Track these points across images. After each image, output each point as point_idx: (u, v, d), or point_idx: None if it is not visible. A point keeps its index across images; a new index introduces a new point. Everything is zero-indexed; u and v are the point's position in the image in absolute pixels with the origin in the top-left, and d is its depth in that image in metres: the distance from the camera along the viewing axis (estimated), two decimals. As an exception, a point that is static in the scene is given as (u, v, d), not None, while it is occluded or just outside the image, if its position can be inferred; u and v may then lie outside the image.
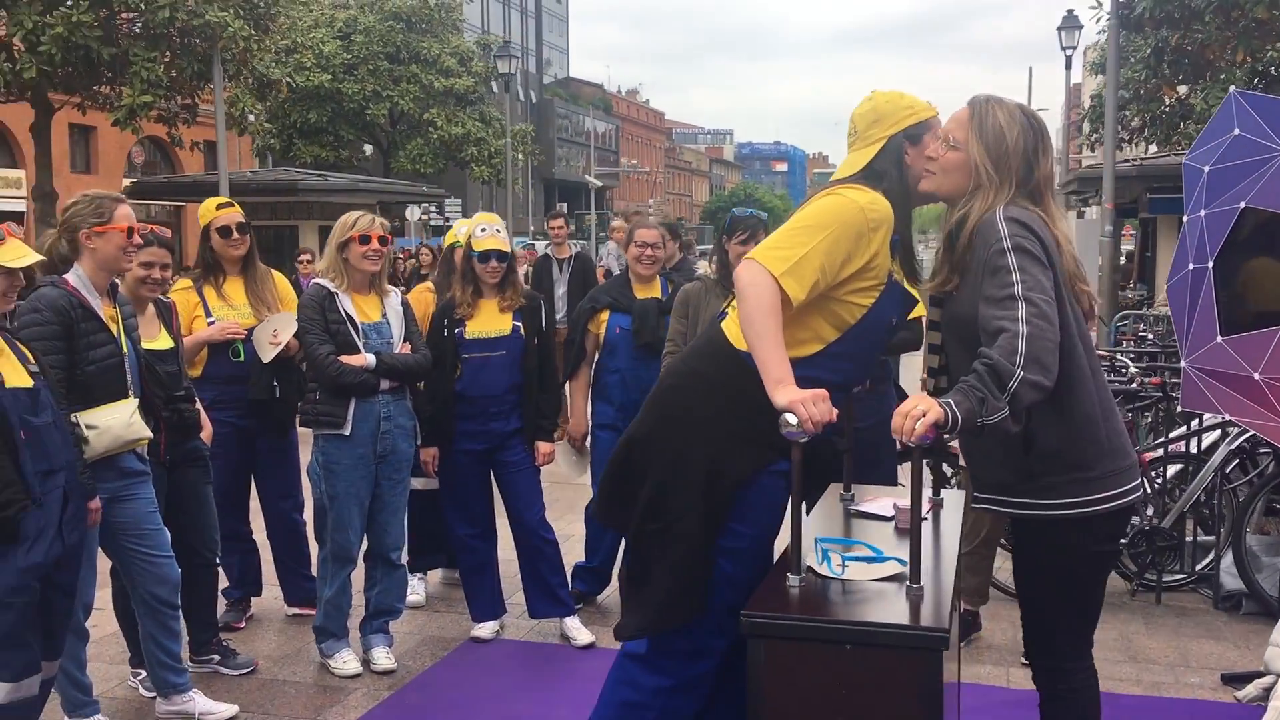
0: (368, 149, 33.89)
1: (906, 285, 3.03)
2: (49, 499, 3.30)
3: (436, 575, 5.96)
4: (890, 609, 2.35)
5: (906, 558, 2.51)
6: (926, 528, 3.02)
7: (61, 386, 3.59)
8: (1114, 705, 4.44)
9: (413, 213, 31.89)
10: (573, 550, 5.88)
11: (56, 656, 3.53)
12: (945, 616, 2.28)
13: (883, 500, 3.28)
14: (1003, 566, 5.80)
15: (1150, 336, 9.93)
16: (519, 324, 4.93)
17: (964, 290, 2.82)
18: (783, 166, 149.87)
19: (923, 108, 3.02)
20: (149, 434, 3.93)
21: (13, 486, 3.16)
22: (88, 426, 3.72)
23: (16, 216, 22.48)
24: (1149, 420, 6.53)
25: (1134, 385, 6.09)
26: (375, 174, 30.45)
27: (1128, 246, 21.65)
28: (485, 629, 5.11)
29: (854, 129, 3.04)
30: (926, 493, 3.38)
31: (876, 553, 2.61)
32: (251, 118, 20.00)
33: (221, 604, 5.09)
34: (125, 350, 3.91)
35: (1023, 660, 5.04)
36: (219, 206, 5.10)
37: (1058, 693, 2.98)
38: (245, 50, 16.90)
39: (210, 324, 4.90)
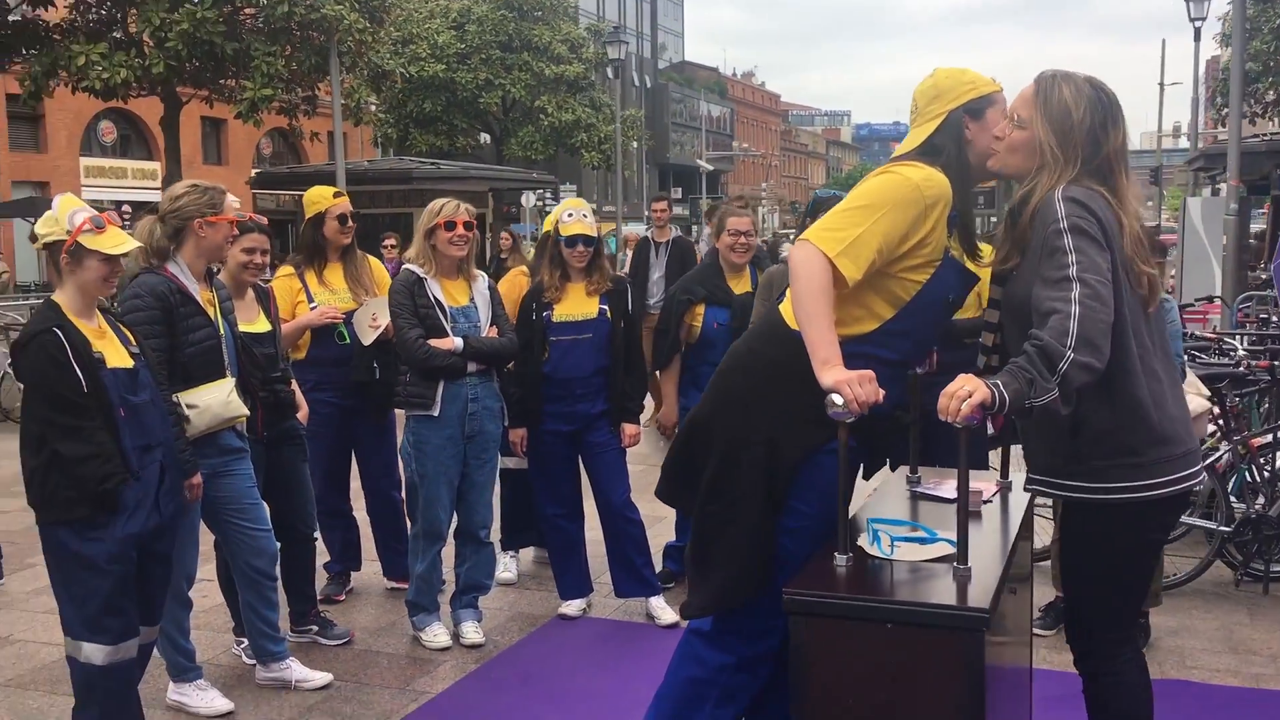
0: (484, 137, 34.46)
1: (966, 262, 3.00)
2: (146, 473, 3.49)
3: (529, 554, 6.09)
4: (934, 589, 2.35)
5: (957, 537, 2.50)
6: (988, 510, 3.00)
7: (163, 369, 3.79)
8: (1210, 696, 4.33)
9: (528, 199, 32.34)
10: (664, 531, 5.95)
11: (154, 623, 3.73)
12: (989, 597, 2.27)
13: (954, 484, 3.26)
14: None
15: (1275, 319, 9.52)
16: (605, 307, 5.01)
17: (1023, 270, 2.78)
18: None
19: (985, 83, 2.98)
20: (246, 412, 4.13)
21: (113, 461, 3.35)
22: (188, 406, 3.92)
23: (153, 207, 23.48)
24: (1264, 406, 6.29)
25: (1241, 369, 5.88)
26: (489, 161, 30.95)
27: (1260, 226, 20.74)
28: (572, 607, 5.21)
29: (915, 106, 3.02)
30: (995, 476, 3.36)
31: (930, 534, 2.60)
32: (373, 108, 20.54)
33: (322, 578, 5.31)
34: (222, 333, 4.10)
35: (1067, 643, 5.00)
36: (335, 195, 5.30)
37: (1102, 679, 2.94)
38: (361, 42, 17.37)
39: (312, 309, 5.10)
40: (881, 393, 2.61)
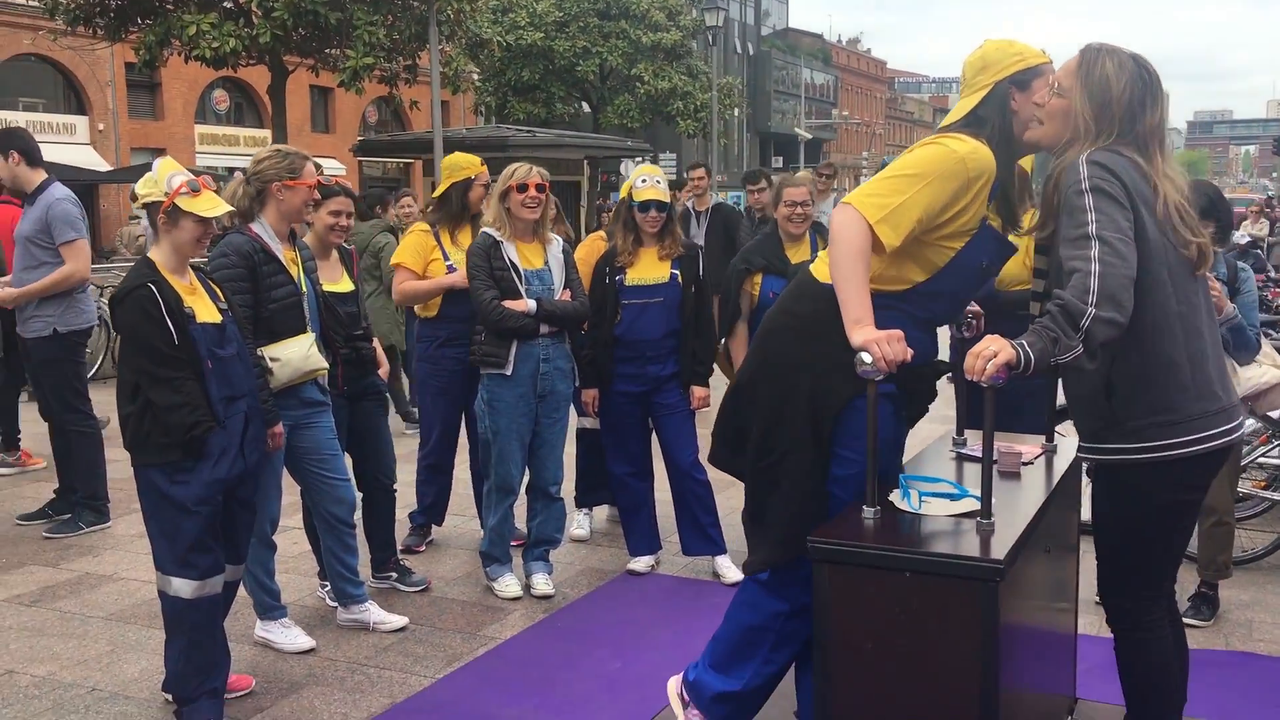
0: (585, 106, 34.64)
1: (1004, 232, 3.03)
2: (231, 422, 3.73)
3: (603, 512, 6.26)
4: (954, 541, 2.42)
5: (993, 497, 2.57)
6: (1028, 472, 3.05)
7: (248, 324, 4.03)
8: (1273, 669, 4.30)
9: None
10: (738, 495, 6.06)
11: (239, 562, 3.98)
12: (1006, 551, 2.34)
13: (1005, 448, 3.31)
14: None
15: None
16: (677, 272, 5.12)
17: (1058, 237, 2.82)
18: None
19: (1034, 54, 2.99)
20: (326, 365, 4.36)
21: (201, 409, 3.59)
22: (271, 359, 4.15)
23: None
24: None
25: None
26: (586, 130, 31.11)
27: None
28: (641, 563, 5.37)
29: (964, 77, 3.05)
30: (1040, 439, 3.40)
31: (960, 490, 2.68)
32: (475, 76, 20.82)
33: (404, 528, 5.56)
34: (304, 290, 4.32)
35: (1095, 600, 4.98)
36: (481, 163, 5.51)
37: (1133, 636, 2.95)
38: (460, 11, 17.64)
39: (450, 270, 5.31)
40: (910, 352, 2.68)
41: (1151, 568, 2.94)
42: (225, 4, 17.46)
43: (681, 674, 3.45)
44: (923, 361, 3.00)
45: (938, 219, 2.88)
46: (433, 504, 5.68)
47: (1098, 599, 3.07)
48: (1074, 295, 2.58)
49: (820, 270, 3.03)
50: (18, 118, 25.26)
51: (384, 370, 4.97)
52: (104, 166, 27.28)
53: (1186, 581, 4.99)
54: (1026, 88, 2.97)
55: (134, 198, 3.82)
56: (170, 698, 3.86)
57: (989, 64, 3.00)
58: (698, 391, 5.24)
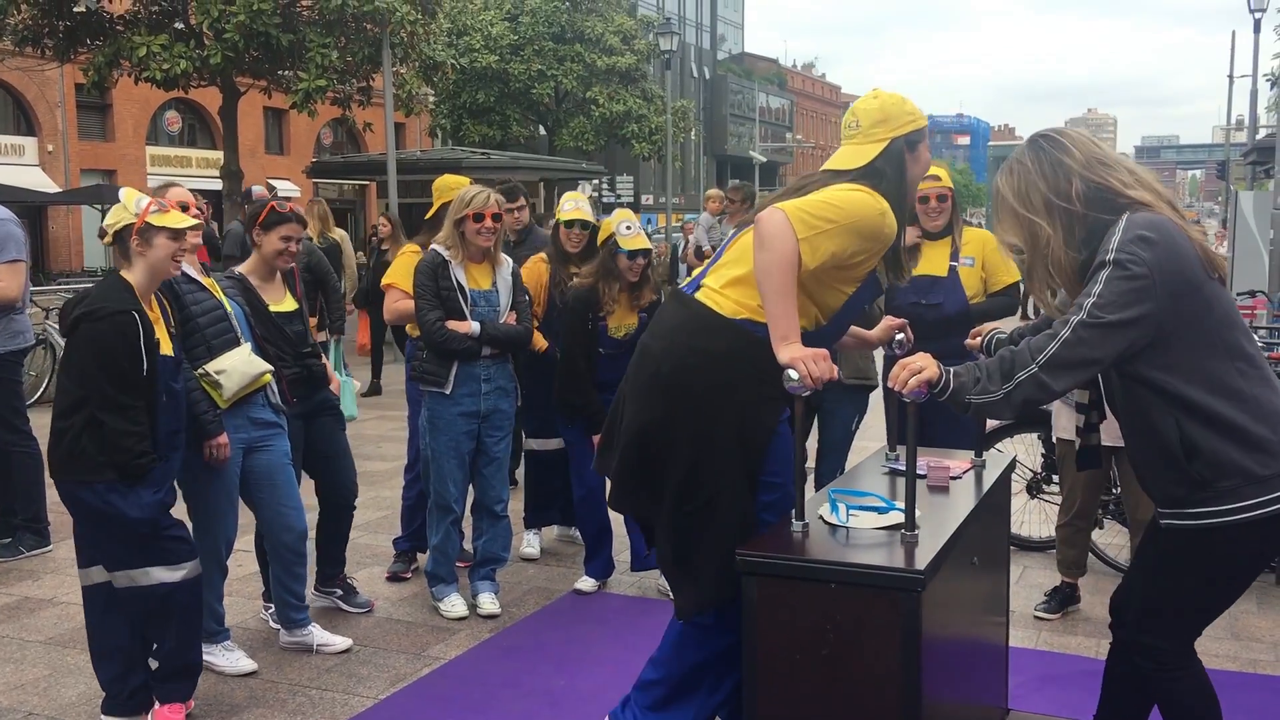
0: (540, 129, 34.73)
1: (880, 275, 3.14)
2: (174, 455, 3.81)
3: (552, 531, 6.27)
4: (877, 553, 2.48)
5: (919, 510, 2.63)
6: (957, 486, 3.12)
7: (181, 340, 4.05)
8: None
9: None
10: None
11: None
12: (929, 561, 2.40)
13: (934, 462, 3.38)
14: (1112, 543, 5.75)
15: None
16: (645, 316, 5.13)
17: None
18: (964, 140, 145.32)
19: (921, 116, 3.11)
20: (270, 368, 4.37)
21: (147, 440, 3.65)
22: (217, 372, 4.17)
23: (215, 195, 24.06)
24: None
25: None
26: (542, 152, 31.20)
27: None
28: (587, 583, 5.38)
29: (856, 122, 3.10)
30: (969, 454, 3.47)
31: (887, 504, 2.74)
32: (431, 99, 20.79)
33: (388, 556, 5.65)
34: (229, 307, 4.34)
35: (1035, 614, 5.02)
36: (472, 182, 5.52)
37: (1160, 674, 2.86)
38: (413, 34, 17.65)
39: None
40: (835, 370, 2.74)
41: (1208, 617, 2.86)
42: (176, 25, 17.34)
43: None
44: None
45: (845, 262, 2.95)
46: (419, 529, 5.60)
47: (1129, 640, 2.96)
48: (1029, 349, 2.59)
49: (717, 301, 3.03)
50: (-35, 139, 24.93)
51: (334, 385, 4.99)
52: (53, 188, 26.95)
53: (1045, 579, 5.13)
54: (915, 149, 3.08)
55: (102, 234, 3.85)
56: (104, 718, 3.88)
57: (889, 117, 3.06)
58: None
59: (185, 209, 4.25)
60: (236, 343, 4.29)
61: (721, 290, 3.04)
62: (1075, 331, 2.57)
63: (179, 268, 3.85)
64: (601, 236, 5.33)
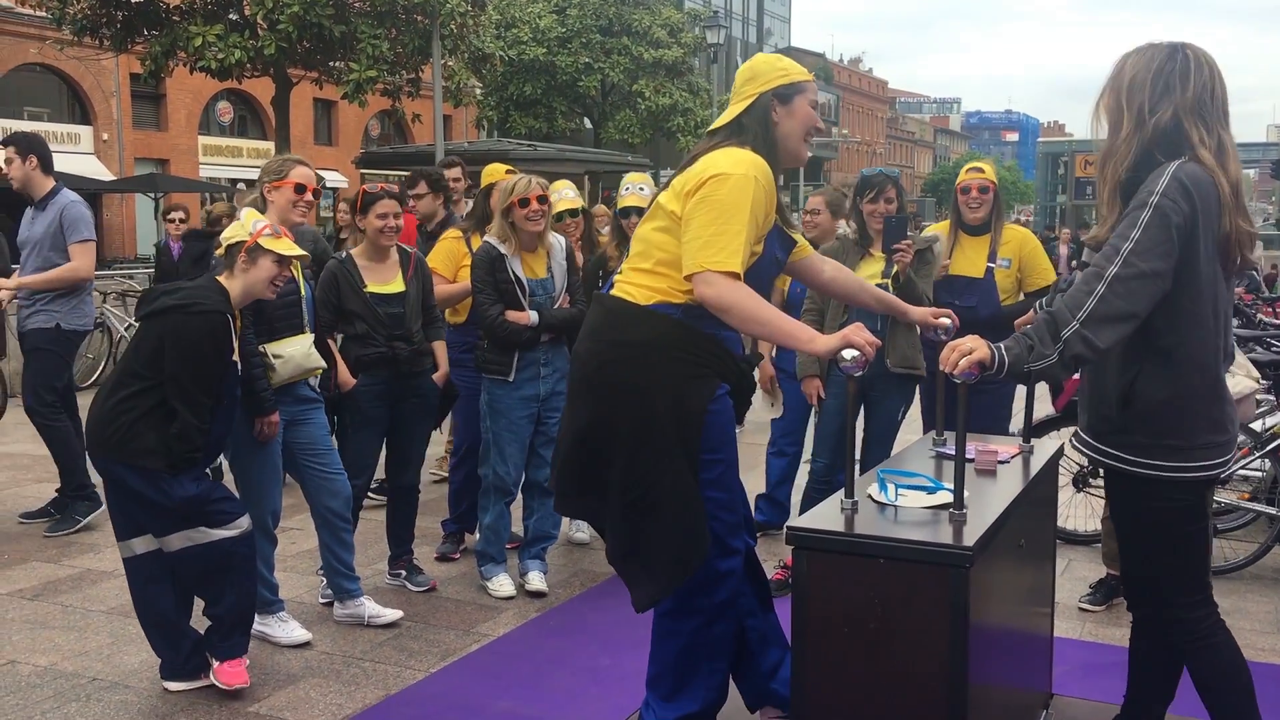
0: (586, 122, 34.84)
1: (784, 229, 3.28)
2: (212, 459, 4.04)
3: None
4: (925, 530, 2.53)
5: (965, 491, 2.67)
6: (1004, 470, 3.15)
7: (250, 317, 4.19)
8: (1253, 674, 4.39)
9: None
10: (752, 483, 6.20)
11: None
12: (976, 539, 2.44)
13: (982, 446, 3.41)
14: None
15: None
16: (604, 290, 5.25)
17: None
18: (1013, 136, 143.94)
19: (798, 72, 3.20)
20: (323, 364, 4.51)
21: (203, 438, 3.83)
22: (274, 356, 4.30)
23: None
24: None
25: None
26: (587, 145, 31.30)
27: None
28: (633, 565, 5.46)
29: (735, 85, 3.25)
30: (1016, 440, 3.51)
31: (934, 484, 2.78)
32: (477, 91, 20.99)
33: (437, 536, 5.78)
34: (303, 292, 4.45)
35: (1079, 606, 5.05)
36: (507, 171, 5.65)
37: (1195, 646, 2.94)
38: (463, 26, 17.82)
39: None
40: (876, 340, 2.85)
41: (1185, 570, 2.92)
42: (231, 16, 17.63)
43: None
44: (742, 357, 3.22)
45: (758, 235, 3.08)
46: (466, 511, 5.73)
47: (1138, 614, 3.11)
48: (1066, 306, 2.65)
49: (629, 291, 3.15)
50: (23, 127, 25.46)
51: (440, 374, 5.14)
52: (108, 176, 27.46)
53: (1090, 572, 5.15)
54: (788, 102, 3.16)
55: (218, 245, 4.06)
56: (168, 686, 4.04)
57: (755, 75, 3.20)
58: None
59: (303, 190, 4.43)
60: (300, 328, 4.42)
61: (631, 281, 3.17)
62: (1111, 286, 2.63)
63: (274, 293, 4.02)
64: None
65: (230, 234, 3.99)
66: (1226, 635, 2.97)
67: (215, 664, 4.03)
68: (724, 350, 3.15)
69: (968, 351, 2.59)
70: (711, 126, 3.28)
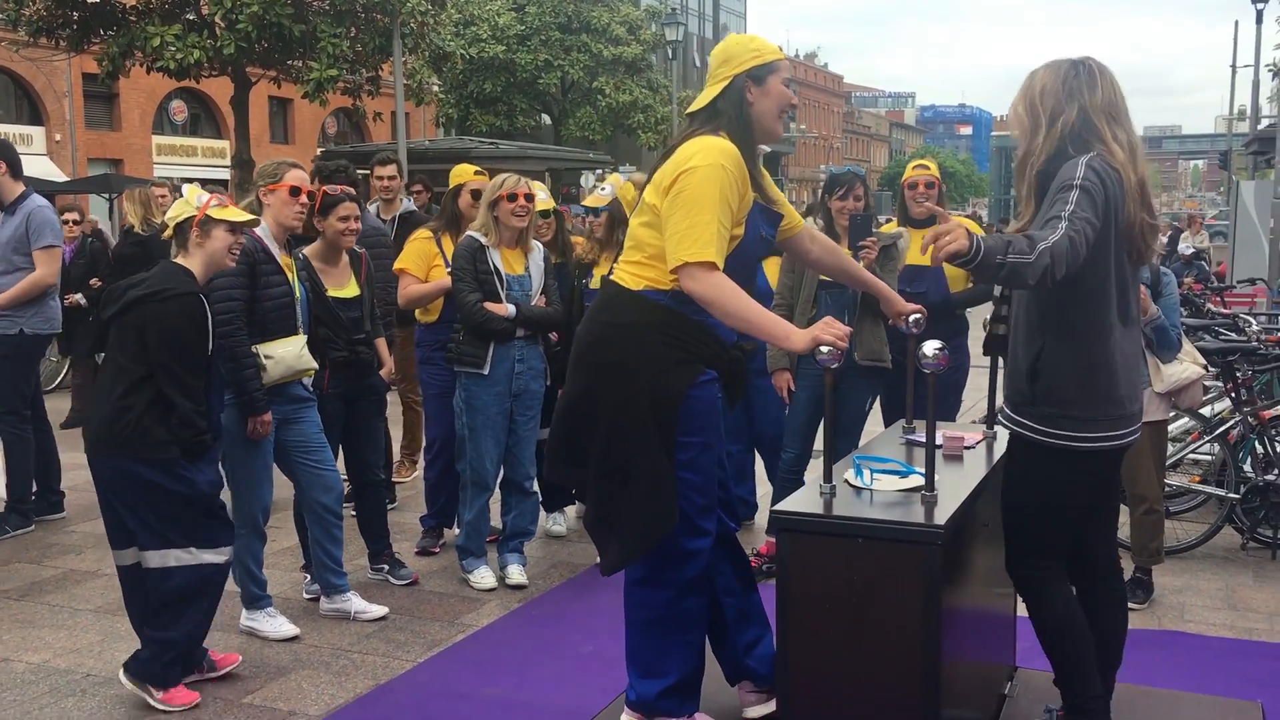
0: (545, 118, 34.89)
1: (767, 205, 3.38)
2: (220, 436, 4.08)
3: (572, 510, 6.49)
4: (899, 511, 2.70)
5: (935, 475, 2.85)
6: (971, 455, 3.34)
7: (243, 319, 4.28)
8: (1200, 646, 4.61)
9: (587, 179, 32.71)
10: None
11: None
12: (948, 518, 2.62)
13: (949, 433, 3.59)
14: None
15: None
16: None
17: (1035, 224, 3.05)
18: (967, 130, 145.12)
19: (771, 51, 3.32)
20: (315, 366, 4.61)
21: (205, 420, 3.89)
22: (265, 357, 4.40)
23: (221, 184, 24.29)
24: (1268, 379, 6.53)
25: (1254, 344, 6.13)
26: (547, 142, 31.38)
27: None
28: (610, 556, 5.61)
29: (710, 67, 3.37)
30: (982, 428, 3.69)
31: (906, 469, 2.96)
32: (435, 88, 21.01)
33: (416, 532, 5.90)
34: (298, 295, 4.55)
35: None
36: (475, 173, 5.77)
37: (1040, 596, 3.21)
38: (423, 24, 17.87)
39: (449, 273, 5.46)
40: (847, 329, 3.00)
41: (1053, 539, 3.18)
42: (188, 16, 17.55)
43: (624, 709, 3.59)
44: (731, 342, 3.34)
45: (735, 220, 3.20)
46: (443, 506, 5.83)
47: (1006, 569, 3.31)
48: (1034, 235, 2.85)
49: (627, 278, 3.32)
50: (-26, 128, 25.12)
51: (386, 370, 5.24)
52: (61, 177, 27.10)
53: (1124, 568, 5.34)
54: (762, 83, 3.28)
55: (162, 227, 4.08)
56: (133, 685, 4.02)
57: (730, 58, 3.31)
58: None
59: (297, 192, 4.50)
60: (294, 330, 4.51)
61: (625, 268, 3.34)
62: (1069, 235, 2.81)
63: (234, 259, 4.05)
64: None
65: (176, 213, 3.99)
66: (1066, 591, 3.23)
67: (159, 694, 3.96)
68: (711, 337, 3.28)
69: (949, 239, 2.76)
70: (690, 109, 3.41)
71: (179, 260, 3.98)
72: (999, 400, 3.38)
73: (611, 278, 3.40)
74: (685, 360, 3.23)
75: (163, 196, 9.12)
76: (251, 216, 4.11)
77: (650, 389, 3.20)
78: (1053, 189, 2.97)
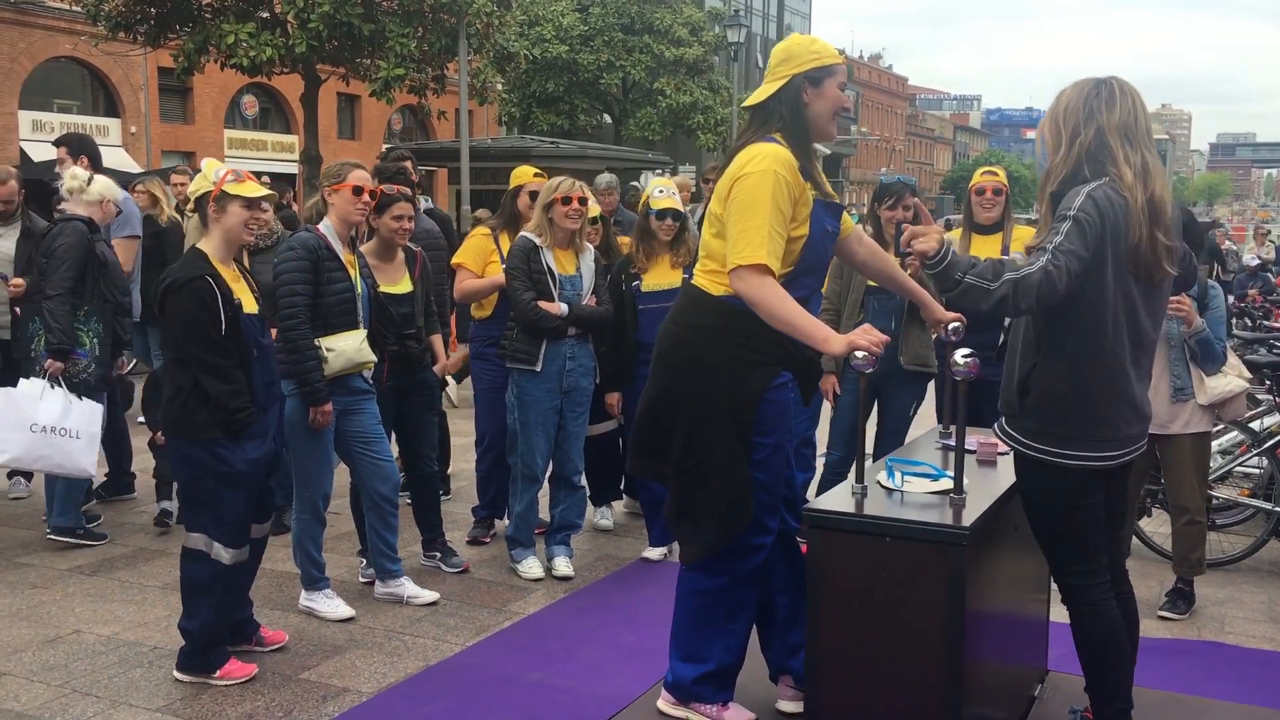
0: (606, 118, 35.08)
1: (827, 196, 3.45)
2: (271, 407, 4.18)
3: (618, 505, 6.63)
4: (927, 512, 2.80)
5: (965, 478, 2.95)
6: (1004, 461, 3.42)
7: (306, 313, 4.47)
8: (1240, 657, 4.64)
9: (646, 179, 32.81)
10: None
11: (266, 520, 4.40)
12: (974, 520, 2.72)
13: (983, 439, 3.68)
14: (1159, 531, 5.97)
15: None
16: (688, 277, 5.50)
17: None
18: (1033, 134, 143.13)
19: (830, 55, 3.39)
20: (374, 359, 4.79)
21: (244, 395, 4.03)
22: (327, 349, 4.59)
23: (289, 179, 24.77)
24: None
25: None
26: (608, 141, 31.55)
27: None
28: (655, 552, 5.75)
29: (770, 64, 3.45)
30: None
31: (938, 472, 3.06)
32: (499, 87, 21.24)
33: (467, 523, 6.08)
34: (359, 290, 4.74)
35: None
36: (534, 174, 5.93)
37: (1079, 607, 3.24)
38: (489, 24, 18.12)
39: (504, 271, 5.61)
40: (884, 337, 3.09)
41: (1074, 546, 3.21)
42: (262, 14, 17.96)
43: (662, 691, 3.74)
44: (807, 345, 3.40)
45: (790, 224, 3.29)
46: (494, 498, 6.00)
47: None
48: (1009, 265, 2.95)
49: (705, 283, 3.45)
50: (52, 119, 25.92)
51: (439, 366, 5.41)
52: (136, 169, 27.76)
53: (1165, 578, 5.37)
54: (819, 85, 3.36)
55: (186, 201, 4.23)
56: (189, 678, 4.18)
57: (790, 57, 3.39)
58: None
59: (360, 192, 4.66)
60: (355, 324, 4.69)
61: (704, 274, 3.46)
62: (1046, 270, 2.89)
63: (252, 235, 4.19)
64: (642, 202, 5.76)
65: (195, 187, 4.13)
66: (1109, 605, 3.27)
67: (214, 674, 4.15)
68: (786, 339, 3.36)
69: (923, 240, 2.91)
70: (747, 102, 3.51)
71: (199, 244, 4.12)
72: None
73: (694, 281, 3.53)
74: (761, 363, 3.34)
75: (180, 184, 9.06)
76: (267, 191, 4.21)
77: (728, 390, 3.34)
78: (1055, 217, 3.04)
